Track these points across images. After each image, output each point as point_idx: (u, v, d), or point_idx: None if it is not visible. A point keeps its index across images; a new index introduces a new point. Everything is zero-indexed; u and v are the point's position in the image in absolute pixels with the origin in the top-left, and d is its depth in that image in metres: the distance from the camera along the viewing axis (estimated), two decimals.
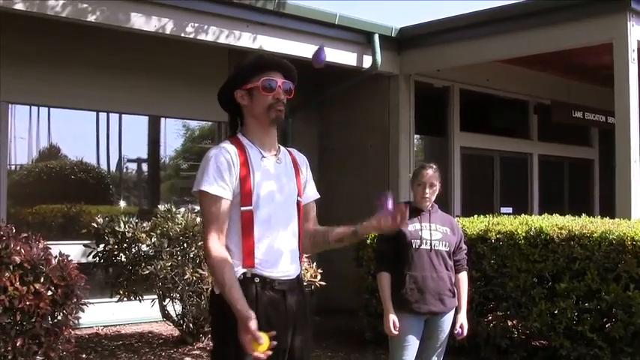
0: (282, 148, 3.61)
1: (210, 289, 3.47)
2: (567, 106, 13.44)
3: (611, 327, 7.05)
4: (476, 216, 8.65)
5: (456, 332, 5.46)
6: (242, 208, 3.35)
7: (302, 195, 3.62)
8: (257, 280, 3.34)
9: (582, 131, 15.02)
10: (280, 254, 3.42)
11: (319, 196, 3.75)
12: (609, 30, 9.26)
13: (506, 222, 8.04)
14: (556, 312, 7.35)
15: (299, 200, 3.58)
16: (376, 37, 10.82)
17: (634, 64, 9.06)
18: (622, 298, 6.91)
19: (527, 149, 13.93)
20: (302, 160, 3.71)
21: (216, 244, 3.29)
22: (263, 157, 3.45)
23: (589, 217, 8.08)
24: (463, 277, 5.55)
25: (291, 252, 3.48)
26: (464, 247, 5.63)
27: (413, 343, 5.30)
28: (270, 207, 3.40)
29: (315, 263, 8.32)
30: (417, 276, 5.26)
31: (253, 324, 3.08)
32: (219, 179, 3.31)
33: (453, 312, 5.44)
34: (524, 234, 7.61)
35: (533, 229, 7.60)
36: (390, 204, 3.31)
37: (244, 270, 3.34)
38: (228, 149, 3.38)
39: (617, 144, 9.25)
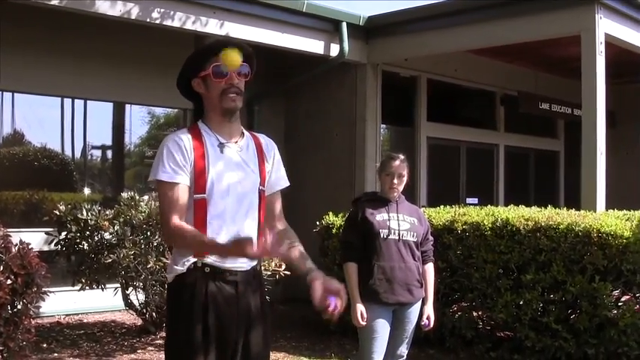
0: (246, 133, 3.47)
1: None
2: (534, 97, 13.47)
3: (576, 318, 7.08)
4: (442, 206, 8.64)
5: (422, 324, 5.46)
6: (195, 196, 3.25)
7: (265, 184, 3.46)
8: (207, 270, 3.24)
9: (548, 123, 15.08)
10: None
11: (289, 184, 3.62)
12: (577, 22, 9.27)
13: (473, 213, 8.04)
14: (521, 303, 7.36)
15: (261, 189, 3.43)
16: (344, 26, 10.75)
17: (601, 57, 9.08)
18: (587, 289, 6.93)
19: (493, 140, 13.96)
20: (269, 146, 3.56)
21: (177, 221, 3.19)
22: (221, 144, 3.33)
23: (554, 208, 8.09)
24: (430, 268, 5.53)
25: None
26: (430, 238, 5.63)
27: (383, 334, 5.26)
28: (226, 195, 3.28)
29: None
30: (385, 266, 5.23)
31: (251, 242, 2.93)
32: (173, 165, 3.22)
33: (420, 303, 5.43)
34: (490, 225, 7.60)
35: (499, 220, 7.60)
36: (333, 304, 3.17)
37: (194, 260, 3.25)
38: (182, 136, 3.29)
39: (583, 136, 9.27)
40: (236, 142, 3.39)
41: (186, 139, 3.28)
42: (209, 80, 3.32)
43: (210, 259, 3.24)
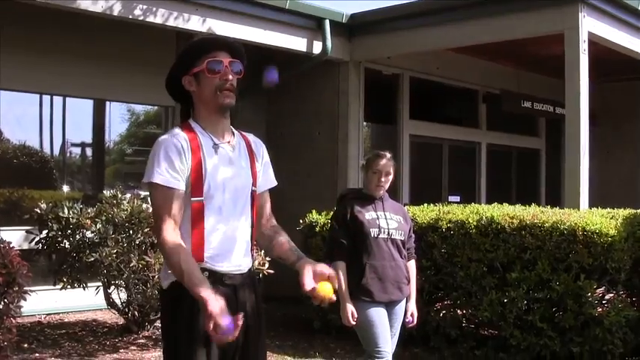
0: (236, 133, 3.41)
1: (159, 282, 3.29)
2: (517, 95, 13.49)
3: (561, 317, 7.07)
4: (425, 204, 8.61)
5: (406, 321, 5.46)
6: (192, 199, 3.15)
7: (257, 184, 3.40)
8: (206, 274, 3.11)
9: (530, 121, 15.11)
10: (232, 248, 3.24)
11: (276, 184, 3.56)
12: (561, 21, 9.29)
13: (457, 211, 8.02)
14: (506, 301, 7.34)
15: (253, 190, 3.37)
16: (327, 23, 10.72)
17: (585, 55, 9.09)
18: (572, 288, 6.93)
19: (475, 138, 13.98)
20: (259, 146, 3.51)
21: (171, 233, 3.08)
22: (215, 144, 3.24)
23: (536, 206, 8.09)
24: (413, 265, 5.56)
25: (243, 245, 3.31)
26: (413, 235, 5.65)
27: (382, 321, 5.23)
28: (223, 198, 3.21)
29: (262, 251, 8.20)
30: (376, 265, 5.22)
31: (216, 309, 2.84)
32: (170, 169, 3.10)
33: (405, 300, 5.42)
34: (475, 223, 7.58)
35: (484, 218, 7.59)
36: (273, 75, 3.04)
37: None
38: (179, 136, 3.17)
39: (566, 134, 9.29)
40: (229, 142, 3.32)
41: (184, 141, 3.16)
42: (202, 76, 3.23)
43: (208, 264, 3.17)
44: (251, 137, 3.51)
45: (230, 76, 3.25)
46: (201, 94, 3.26)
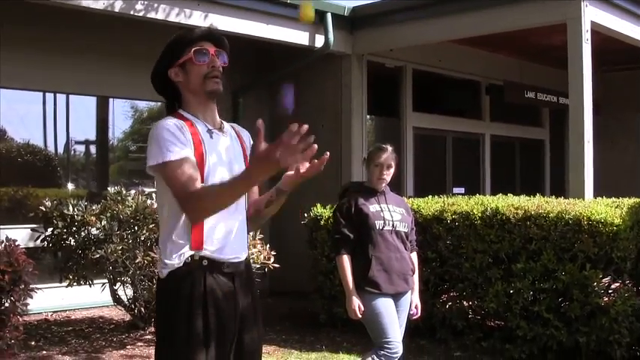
0: (224, 123, 3.39)
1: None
2: (519, 86, 13.48)
3: (568, 307, 7.05)
4: (430, 196, 8.61)
5: (411, 313, 5.48)
6: None
7: None
8: (205, 262, 3.13)
9: (534, 112, 15.10)
10: (230, 236, 3.21)
11: None
12: (563, 10, 9.25)
13: (462, 202, 8.01)
14: (512, 292, 7.34)
15: None
16: (329, 16, 10.69)
17: (587, 45, 9.07)
18: (578, 277, 6.91)
19: (479, 129, 13.95)
20: (246, 136, 3.49)
21: (199, 186, 3.03)
22: (209, 130, 3.24)
23: (541, 196, 8.08)
24: (415, 257, 5.59)
25: (240, 233, 3.29)
26: (415, 228, 5.68)
27: (390, 311, 5.23)
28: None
29: (268, 245, 8.22)
30: (382, 257, 5.24)
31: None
32: (178, 143, 3.06)
33: (410, 292, 5.44)
34: (480, 214, 7.58)
35: (489, 209, 7.58)
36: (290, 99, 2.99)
37: (192, 252, 3.13)
38: (175, 121, 3.16)
39: (570, 124, 9.26)
40: (221, 128, 3.32)
41: (180, 123, 3.15)
42: (189, 65, 3.24)
43: (208, 252, 3.14)
44: (237, 127, 3.50)
45: (217, 63, 3.26)
46: (189, 83, 3.26)
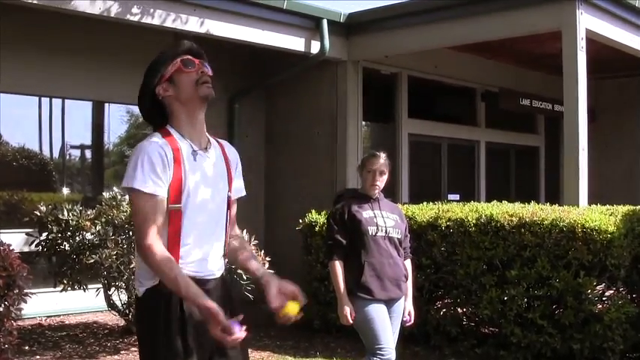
0: (211, 139, 3.40)
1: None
2: (515, 93, 13.52)
3: (562, 314, 7.07)
4: (425, 203, 8.62)
5: (404, 319, 5.47)
6: (171, 206, 3.14)
7: (232, 190, 3.42)
8: None
9: (528, 118, 15.12)
10: (207, 255, 3.26)
11: (245, 194, 3.55)
12: (558, 18, 9.28)
13: (457, 209, 8.02)
14: (506, 299, 7.35)
15: (229, 195, 3.40)
16: (324, 23, 10.71)
17: (582, 52, 9.09)
18: (572, 285, 6.93)
19: (474, 136, 13.97)
20: (233, 155, 3.50)
21: (158, 244, 3.08)
22: (194, 151, 3.24)
23: (536, 203, 8.09)
24: (409, 264, 5.59)
25: (219, 251, 3.34)
26: (409, 235, 5.67)
27: (382, 317, 5.23)
28: (201, 205, 3.22)
29: (262, 251, 8.22)
30: (375, 263, 5.24)
31: (221, 314, 2.92)
32: (153, 176, 3.08)
33: (403, 298, 5.44)
34: (474, 221, 7.59)
35: (483, 216, 7.59)
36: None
37: None
38: (161, 143, 3.15)
39: (565, 131, 9.28)
40: (206, 147, 3.32)
41: (166, 147, 3.15)
42: (179, 75, 3.26)
43: (186, 270, 3.14)
44: (225, 144, 3.50)
45: (205, 69, 3.30)
46: (180, 93, 3.26)
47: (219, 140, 3.48)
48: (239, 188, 3.51)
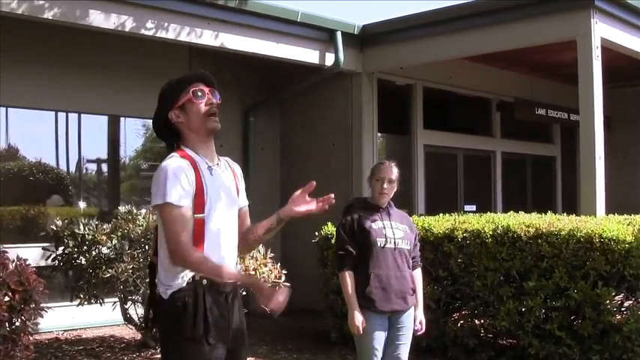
0: (220, 158, 3.71)
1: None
2: (530, 103, 13.46)
3: (580, 325, 7.02)
4: (441, 214, 8.59)
5: (415, 329, 5.44)
6: (195, 216, 3.43)
7: (239, 200, 3.76)
8: (205, 282, 3.43)
9: (544, 128, 15.06)
10: (227, 258, 3.55)
11: (248, 203, 3.85)
12: (573, 27, 9.25)
13: (473, 220, 7.99)
14: (524, 310, 7.31)
15: (240, 207, 3.75)
16: (339, 35, 10.72)
17: (598, 61, 9.05)
18: (590, 295, 6.88)
19: (490, 147, 13.92)
20: (237, 169, 3.83)
21: (191, 247, 3.39)
22: (209, 166, 3.55)
23: (553, 213, 8.05)
24: (418, 273, 5.54)
25: (233, 257, 3.64)
26: (418, 244, 5.64)
27: (380, 341, 5.23)
28: (219, 215, 3.51)
29: (279, 264, 8.21)
30: (381, 275, 5.22)
31: (261, 281, 3.39)
32: (180, 189, 3.38)
33: (413, 309, 5.40)
34: (491, 232, 7.55)
35: (500, 227, 7.55)
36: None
37: (193, 273, 3.44)
38: (181, 160, 3.45)
39: (581, 141, 9.24)
40: (217, 163, 3.63)
41: (185, 163, 3.44)
42: (189, 105, 3.53)
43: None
44: (230, 161, 3.82)
45: (214, 100, 3.57)
46: (190, 121, 3.55)
47: (225, 158, 3.80)
48: (243, 198, 3.82)
